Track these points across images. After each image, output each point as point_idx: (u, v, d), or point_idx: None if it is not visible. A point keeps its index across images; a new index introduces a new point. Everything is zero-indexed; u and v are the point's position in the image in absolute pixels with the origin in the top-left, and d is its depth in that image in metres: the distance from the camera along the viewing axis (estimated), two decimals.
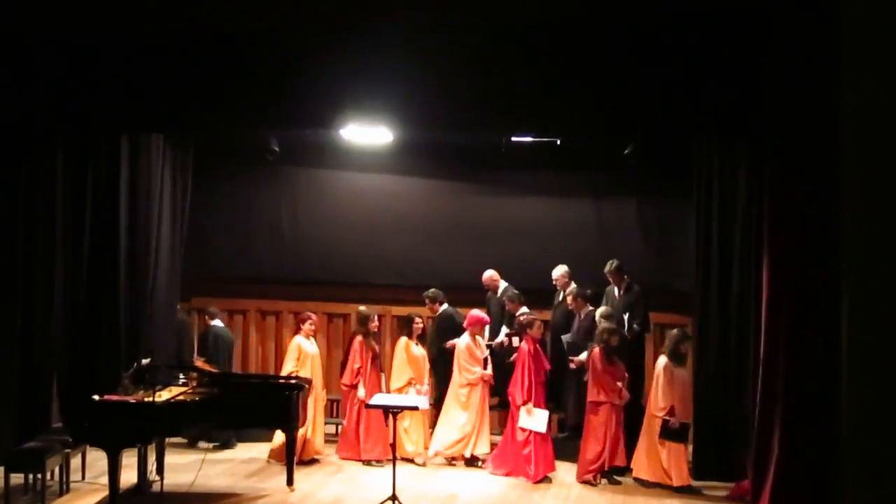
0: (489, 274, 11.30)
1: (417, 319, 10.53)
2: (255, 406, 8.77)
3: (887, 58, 6.46)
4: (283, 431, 9.00)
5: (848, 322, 6.57)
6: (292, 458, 8.98)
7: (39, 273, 9.43)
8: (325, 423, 11.12)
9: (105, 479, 8.20)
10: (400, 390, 10.07)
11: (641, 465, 9.29)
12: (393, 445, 8.51)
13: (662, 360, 9.31)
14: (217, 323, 10.85)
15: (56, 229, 9.61)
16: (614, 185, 11.64)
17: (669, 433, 9.11)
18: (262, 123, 9.59)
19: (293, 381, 9.29)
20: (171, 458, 9.22)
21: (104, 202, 10.17)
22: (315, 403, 10.01)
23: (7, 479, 8.07)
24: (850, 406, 6.56)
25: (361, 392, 9.94)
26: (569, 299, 10.61)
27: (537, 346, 9.77)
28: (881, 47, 6.50)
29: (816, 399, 7.00)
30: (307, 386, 9.40)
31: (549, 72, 8.20)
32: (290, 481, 8.95)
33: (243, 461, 10.10)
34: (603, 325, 9.67)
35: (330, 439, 10.83)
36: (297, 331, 10.38)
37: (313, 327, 10.33)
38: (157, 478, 8.29)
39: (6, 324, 9.20)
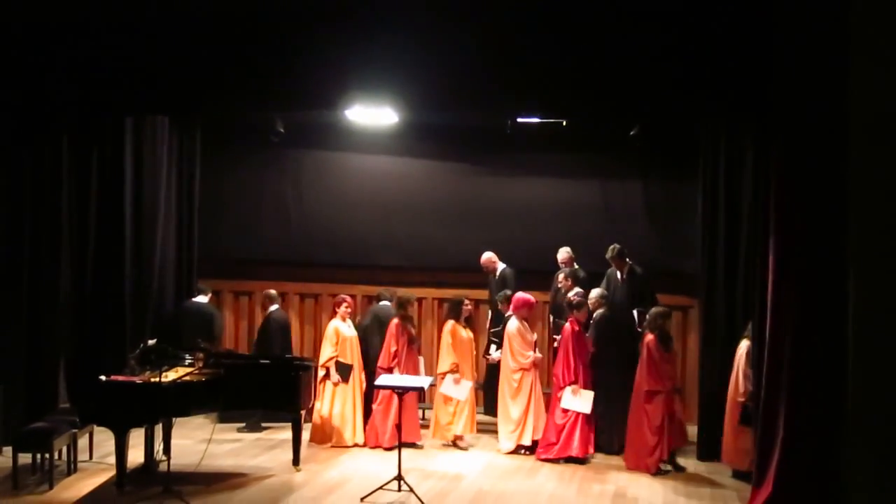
0: (487, 256, 11.28)
1: (466, 302, 10.32)
2: (261, 387, 8.79)
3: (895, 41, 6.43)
4: (289, 412, 9.02)
5: (854, 304, 6.56)
6: (298, 437, 9.02)
7: (46, 256, 9.45)
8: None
9: (112, 459, 8.27)
10: (443, 375, 9.95)
11: (736, 455, 8.81)
12: (398, 426, 8.53)
13: (745, 344, 8.75)
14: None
15: (62, 212, 9.63)
16: (620, 167, 11.62)
17: (746, 418, 8.55)
18: (267, 105, 9.57)
19: (299, 362, 9.31)
20: (177, 438, 9.27)
21: (109, 185, 10.20)
22: (353, 387, 9.96)
23: (15, 458, 8.11)
24: (855, 388, 6.55)
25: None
26: (561, 277, 10.65)
27: (580, 327, 9.60)
28: (890, 31, 6.46)
29: (822, 381, 6.99)
30: (347, 365, 9.58)
31: (554, 53, 8.17)
32: (296, 461, 9.00)
33: (250, 441, 10.15)
34: (656, 309, 9.45)
35: None
36: (333, 314, 10.31)
37: (349, 310, 10.25)
38: (164, 457, 8.34)
39: (14, 306, 9.24)
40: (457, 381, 9.90)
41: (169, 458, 8.24)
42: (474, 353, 10.28)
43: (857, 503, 6.57)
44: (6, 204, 9.23)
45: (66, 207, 9.68)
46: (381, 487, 8.12)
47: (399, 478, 8.18)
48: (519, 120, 10.81)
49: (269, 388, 8.83)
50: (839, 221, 6.82)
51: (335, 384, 9.90)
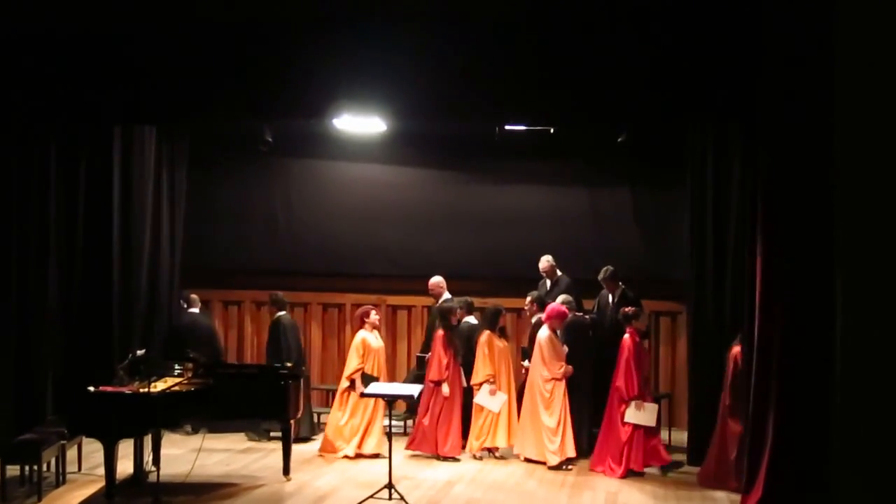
0: (435, 280, 10.96)
1: (504, 311, 10.19)
2: (250, 396, 8.76)
3: (882, 45, 6.46)
4: (278, 421, 9.00)
5: (842, 308, 6.59)
6: (288, 447, 8.99)
7: (33, 266, 9.41)
8: (315, 412, 11.16)
9: (101, 471, 8.23)
10: (478, 386, 9.82)
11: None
12: (389, 435, 8.51)
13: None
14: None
15: (49, 222, 9.59)
16: (608, 173, 11.66)
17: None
18: (256, 114, 9.57)
19: (287, 371, 9.29)
20: (167, 448, 9.23)
21: (97, 195, 10.15)
22: (378, 399, 9.68)
23: (3, 470, 8.07)
24: (844, 393, 6.58)
25: (446, 390, 9.72)
26: (527, 301, 10.57)
27: (640, 338, 9.48)
28: (876, 35, 6.50)
29: (811, 386, 7.02)
30: (373, 377, 9.51)
31: (542, 60, 8.21)
32: (286, 471, 8.97)
33: (240, 451, 10.12)
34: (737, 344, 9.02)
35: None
36: (360, 325, 10.09)
37: (378, 318, 10.18)
38: (154, 468, 8.30)
39: (1, 317, 9.18)
40: (492, 393, 9.76)
41: (158, 469, 8.21)
42: (510, 363, 10.02)
43: None
44: None
45: (53, 217, 9.64)
46: (371, 496, 8.11)
47: (390, 486, 8.16)
48: (507, 128, 10.83)
49: (258, 398, 8.80)
50: (826, 226, 6.85)
51: (361, 396, 9.70)
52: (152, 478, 8.17)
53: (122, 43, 8.66)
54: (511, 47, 8.22)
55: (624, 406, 9.24)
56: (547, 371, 9.64)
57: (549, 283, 10.90)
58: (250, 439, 10.47)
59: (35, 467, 8.12)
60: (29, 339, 9.34)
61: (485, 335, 9.92)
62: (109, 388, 8.26)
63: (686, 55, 7.93)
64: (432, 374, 9.82)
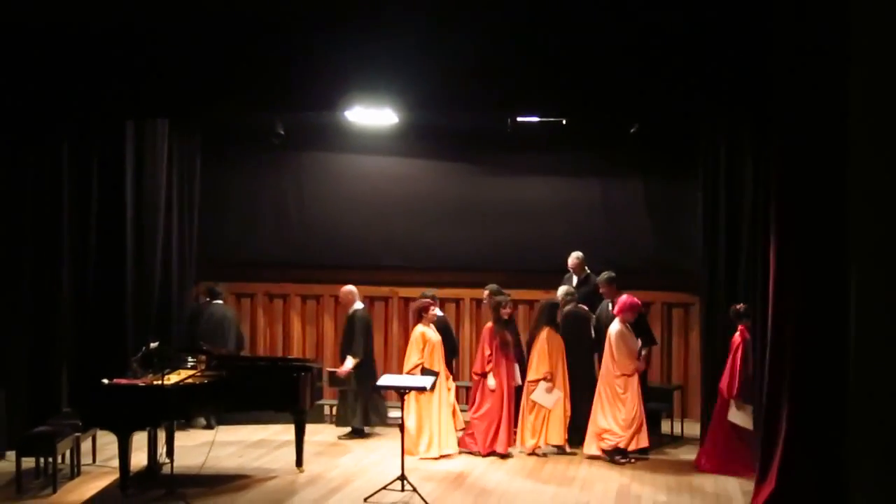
0: (347, 288, 10.70)
1: (560, 306, 9.90)
2: (263, 389, 8.79)
3: (895, 37, 6.43)
4: (291, 413, 9.03)
5: (856, 299, 6.56)
6: (301, 439, 9.02)
7: (47, 259, 9.46)
8: (326, 405, 11.18)
9: (115, 462, 8.26)
10: (535, 383, 9.59)
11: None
12: (401, 427, 8.51)
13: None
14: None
15: (63, 215, 9.64)
16: (620, 164, 11.62)
17: None
18: (268, 107, 9.57)
19: (300, 364, 9.31)
20: (180, 440, 9.27)
21: (110, 188, 10.19)
22: (440, 395, 9.61)
23: (19, 463, 8.13)
24: (857, 383, 6.56)
25: (492, 382, 9.56)
26: (484, 294, 10.62)
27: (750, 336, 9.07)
28: (889, 27, 6.46)
29: (824, 377, 6.99)
30: (433, 372, 9.38)
31: (554, 52, 8.17)
32: (299, 462, 9.00)
33: (252, 443, 10.16)
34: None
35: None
36: (418, 320, 9.89)
37: (436, 312, 10.05)
38: (167, 460, 8.34)
39: (16, 310, 9.25)
40: (549, 390, 9.54)
41: (172, 461, 8.24)
42: (565, 359, 9.71)
43: (859, 498, 6.57)
44: (7, 207, 9.24)
45: (67, 210, 9.69)
46: (384, 487, 8.13)
47: (402, 478, 8.18)
48: (519, 119, 10.80)
49: (271, 390, 8.82)
50: (840, 216, 6.81)
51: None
52: (166, 470, 8.21)
53: (133, 36, 8.67)
54: (522, 39, 8.19)
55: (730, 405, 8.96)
56: (616, 368, 9.40)
57: (575, 279, 10.80)
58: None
59: (50, 459, 8.17)
60: (43, 333, 9.41)
61: (544, 331, 9.64)
62: (123, 381, 8.29)
63: (698, 44, 7.88)
64: (475, 366, 9.75)
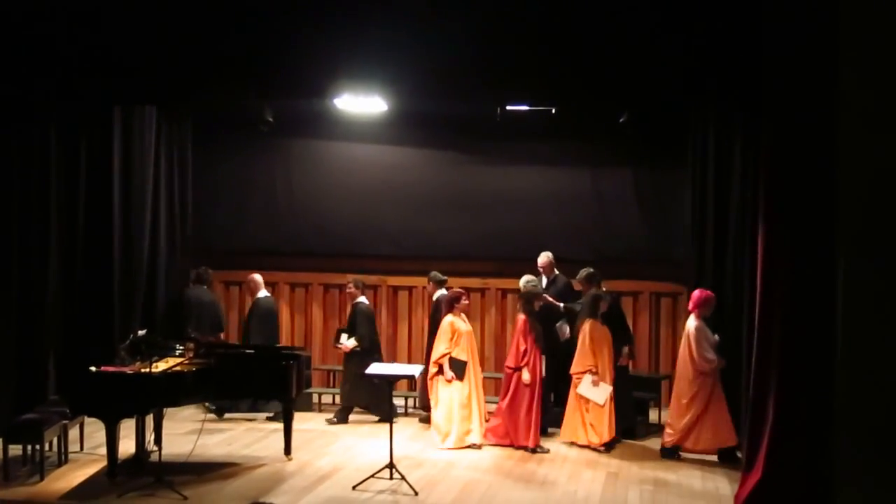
0: (253, 276, 11.12)
1: (607, 297, 9.72)
2: (251, 376, 8.78)
3: (886, 22, 6.43)
4: (280, 401, 9.03)
5: (843, 289, 6.58)
6: (289, 427, 9.02)
7: (34, 247, 9.41)
8: (315, 392, 11.20)
9: (103, 450, 8.25)
10: (579, 377, 9.45)
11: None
12: (390, 414, 8.51)
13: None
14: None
15: (50, 202, 9.59)
16: (610, 154, 11.62)
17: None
18: (256, 93, 9.53)
19: (288, 352, 9.30)
20: (168, 428, 9.25)
21: (98, 175, 10.14)
22: (472, 384, 9.58)
23: (6, 450, 8.11)
24: (844, 373, 6.59)
25: (527, 376, 9.38)
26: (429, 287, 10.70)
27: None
28: (879, 11, 6.46)
29: (811, 366, 7.02)
30: (461, 361, 9.39)
31: (543, 40, 8.16)
32: (287, 450, 9.00)
33: (241, 431, 10.15)
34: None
35: (328, 408, 10.91)
36: (449, 309, 9.76)
37: (467, 302, 9.96)
38: (155, 448, 8.33)
39: (3, 297, 9.20)
40: (595, 383, 9.37)
41: (160, 449, 8.22)
42: (612, 352, 9.56)
43: (846, 487, 6.61)
44: None
45: (54, 198, 9.63)
46: (372, 476, 8.14)
47: (391, 466, 8.19)
48: (508, 108, 10.79)
49: (259, 378, 8.82)
50: (829, 208, 6.83)
51: (448, 381, 9.52)
52: (154, 457, 8.20)
53: (121, 22, 8.62)
54: (512, 27, 8.18)
55: None
56: (694, 365, 9.03)
57: (545, 279, 10.60)
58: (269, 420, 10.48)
59: (37, 447, 8.15)
60: (31, 320, 9.37)
61: (587, 323, 9.51)
62: (111, 368, 8.27)
63: (688, 34, 7.88)
64: (510, 360, 9.58)
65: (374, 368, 9.01)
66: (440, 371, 9.60)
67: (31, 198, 9.37)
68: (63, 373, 9.57)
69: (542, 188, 11.79)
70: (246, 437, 9.87)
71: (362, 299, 10.76)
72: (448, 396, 9.55)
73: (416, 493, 7.90)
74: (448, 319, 9.70)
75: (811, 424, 7.03)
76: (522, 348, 9.48)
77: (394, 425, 8.34)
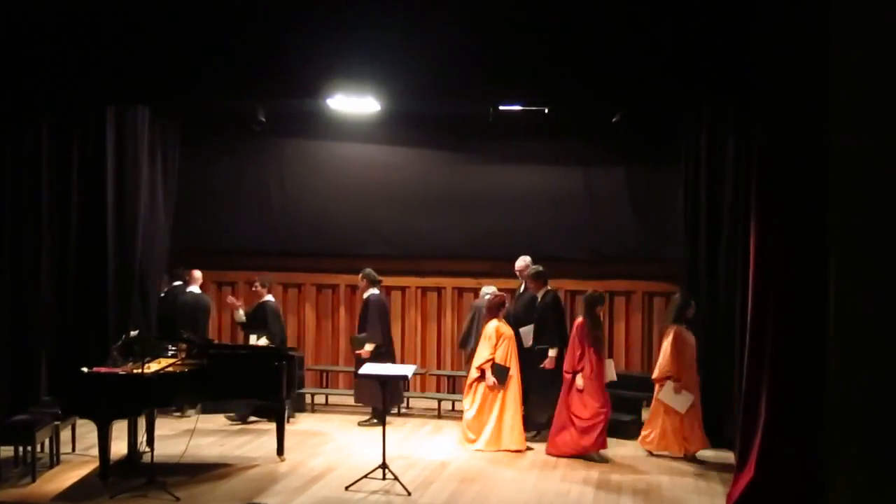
0: (194, 272, 11.20)
1: (692, 303, 9.37)
2: (244, 377, 8.77)
3: (878, 17, 6.44)
4: (273, 402, 9.01)
5: (835, 288, 6.59)
6: (282, 428, 9.01)
7: (26, 246, 9.37)
8: (308, 393, 11.19)
9: (95, 451, 8.22)
10: (661, 384, 9.20)
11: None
12: (382, 414, 8.51)
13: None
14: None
15: (42, 203, 9.54)
16: (603, 153, 11.63)
17: None
18: (249, 93, 9.49)
19: (280, 352, 9.29)
20: (160, 429, 9.23)
21: (90, 175, 10.10)
22: (513, 391, 9.51)
23: None
24: (837, 370, 6.59)
25: (580, 382, 9.15)
26: (360, 278, 10.78)
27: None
28: (871, 14, 6.47)
29: (804, 365, 7.03)
30: (504, 367, 9.36)
31: (536, 40, 8.15)
32: (280, 451, 8.99)
33: (233, 432, 10.14)
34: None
35: (320, 409, 10.90)
36: (492, 315, 9.64)
37: (269, 297, 10.03)
38: (147, 449, 8.32)
39: None
40: (677, 390, 9.11)
41: (152, 450, 8.21)
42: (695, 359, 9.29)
43: (838, 486, 6.62)
44: None
45: (46, 198, 9.58)
46: (365, 476, 8.13)
47: (384, 466, 8.19)
48: (501, 108, 10.79)
49: (252, 378, 8.81)
50: (820, 207, 6.84)
51: (490, 387, 9.47)
52: (146, 458, 8.18)
53: (114, 21, 8.58)
54: (505, 26, 8.16)
55: None
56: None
57: (523, 285, 10.49)
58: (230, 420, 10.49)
59: (29, 448, 8.13)
60: (23, 320, 9.32)
61: (672, 330, 9.25)
62: (103, 369, 8.26)
63: (679, 30, 7.86)
64: (566, 364, 9.30)
65: (367, 369, 9.01)
66: (482, 376, 9.51)
67: (24, 198, 9.33)
68: (55, 373, 9.54)
69: (535, 188, 11.80)
70: (238, 438, 9.86)
71: (269, 298, 10.77)
72: (487, 401, 9.49)
73: (409, 494, 7.89)
74: (493, 325, 9.59)
75: (803, 424, 7.03)
76: (578, 353, 9.22)
77: (387, 426, 8.33)
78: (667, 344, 9.25)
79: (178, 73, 8.76)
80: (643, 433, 9.50)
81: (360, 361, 10.17)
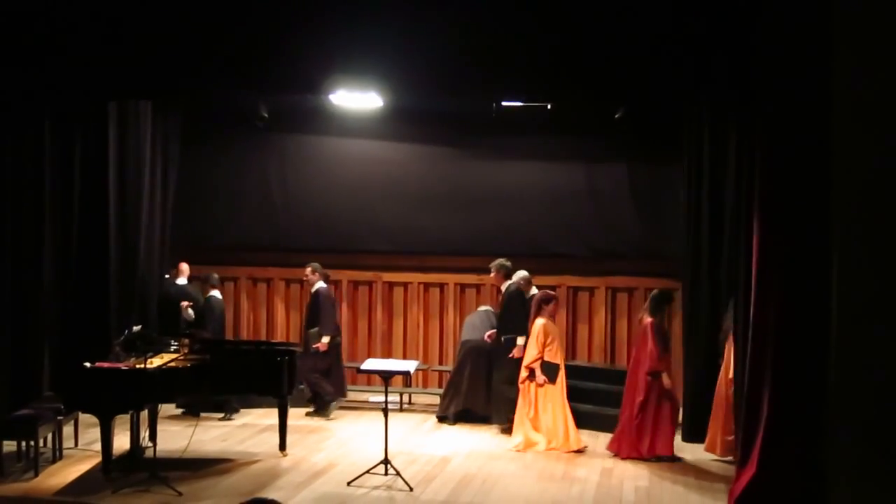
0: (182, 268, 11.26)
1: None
2: (246, 372, 8.79)
3: (881, 17, 6.43)
4: (275, 397, 9.02)
5: (838, 282, 6.59)
6: (284, 423, 9.02)
7: (29, 241, 9.38)
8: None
9: (97, 446, 8.24)
10: (729, 384, 8.82)
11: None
12: (385, 411, 8.52)
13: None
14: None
15: (44, 197, 9.53)
16: (605, 149, 11.63)
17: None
18: (252, 88, 9.53)
19: (283, 348, 9.30)
20: (163, 424, 9.24)
21: (92, 170, 10.11)
22: (561, 388, 9.49)
23: (0, 446, 8.08)
24: (838, 369, 6.59)
25: (667, 380, 9.01)
26: (307, 271, 10.90)
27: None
28: (873, 12, 6.47)
29: (806, 362, 7.03)
30: (554, 364, 9.37)
31: (539, 36, 8.14)
32: (282, 447, 9.00)
33: (236, 427, 10.15)
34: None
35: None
36: (538, 312, 9.58)
37: (556, 304, 9.76)
38: (150, 444, 8.33)
39: None
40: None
41: (155, 445, 8.23)
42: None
43: (840, 483, 6.62)
44: None
45: (48, 193, 9.58)
46: (367, 472, 8.14)
47: (386, 462, 8.19)
48: (504, 104, 10.78)
49: (254, 374, 8.83)
50: (823, 204, 6.83)
51: (540, 385, 9.42)
52: (149, 453, 8.19)
53: (115, 16, 8.57)
54: (508, 23, 8.16)
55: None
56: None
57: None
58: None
59: (32, 443, 8.15)
60: (25, 315, 9.33)
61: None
62: (106, 364, 8.27)
63: (683, 27, 7.86)
64: (648, 365, 9.07)
65: (370, 364, 9.01)
66: (531, 375, 9.47)
67: (26, 193, 9.33)
68: (57, 368, 9.54)
69: (537, 184, 11.79)
70: (241, 434, 9.87)
71: (215, 293, 10.87)
72: (541, 403, 9.46)
73: (412, 489, 7.91)
74: (540, 322, 9.54)
75: (806, 420, 7.04)
76: (656, 352, 9.05)
77: (389, 421, 8.34)
78: (730, 344, 8.87)
79: (181, 68, 8.76)
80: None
81: (321, 354, 10.55)
